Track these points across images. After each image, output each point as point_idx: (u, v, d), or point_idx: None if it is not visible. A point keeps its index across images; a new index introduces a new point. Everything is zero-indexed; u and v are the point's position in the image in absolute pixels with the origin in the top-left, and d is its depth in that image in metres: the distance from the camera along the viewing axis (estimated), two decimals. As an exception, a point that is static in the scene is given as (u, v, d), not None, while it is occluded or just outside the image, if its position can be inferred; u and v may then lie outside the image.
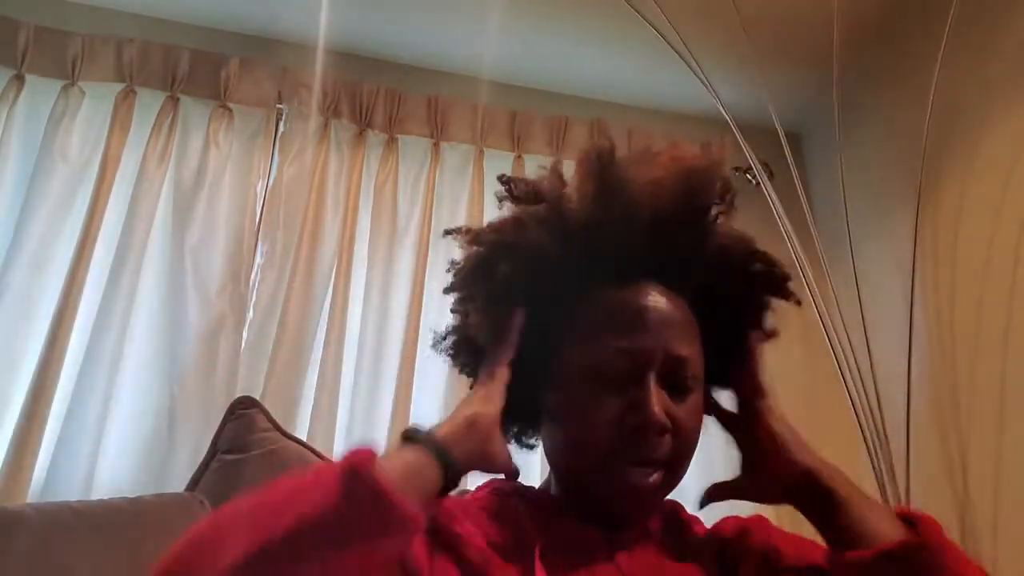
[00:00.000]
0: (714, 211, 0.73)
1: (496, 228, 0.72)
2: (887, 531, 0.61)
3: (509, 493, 0.72)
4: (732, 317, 0.74)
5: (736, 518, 0.77)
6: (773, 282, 0.75)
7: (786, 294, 0.76)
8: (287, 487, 0.53)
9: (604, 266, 0.69)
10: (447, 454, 0.60)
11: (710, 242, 0.73)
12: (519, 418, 0.76)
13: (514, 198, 0.74)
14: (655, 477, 0.64)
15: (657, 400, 0.64)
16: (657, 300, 0.68)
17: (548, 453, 0.73)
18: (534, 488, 0.75)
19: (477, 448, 0.63)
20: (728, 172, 0.71)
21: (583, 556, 0.64)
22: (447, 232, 0.76)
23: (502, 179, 0.75)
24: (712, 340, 0.71)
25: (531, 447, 0.80)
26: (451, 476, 0.60)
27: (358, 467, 0.52)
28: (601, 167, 0.69)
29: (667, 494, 0.69)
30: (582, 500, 0.68)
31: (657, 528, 0.71)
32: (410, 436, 0.61)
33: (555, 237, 0.69)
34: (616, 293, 0.68)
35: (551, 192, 0.72)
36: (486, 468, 0.66)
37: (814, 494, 0.65)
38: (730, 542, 0.73)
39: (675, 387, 0.66)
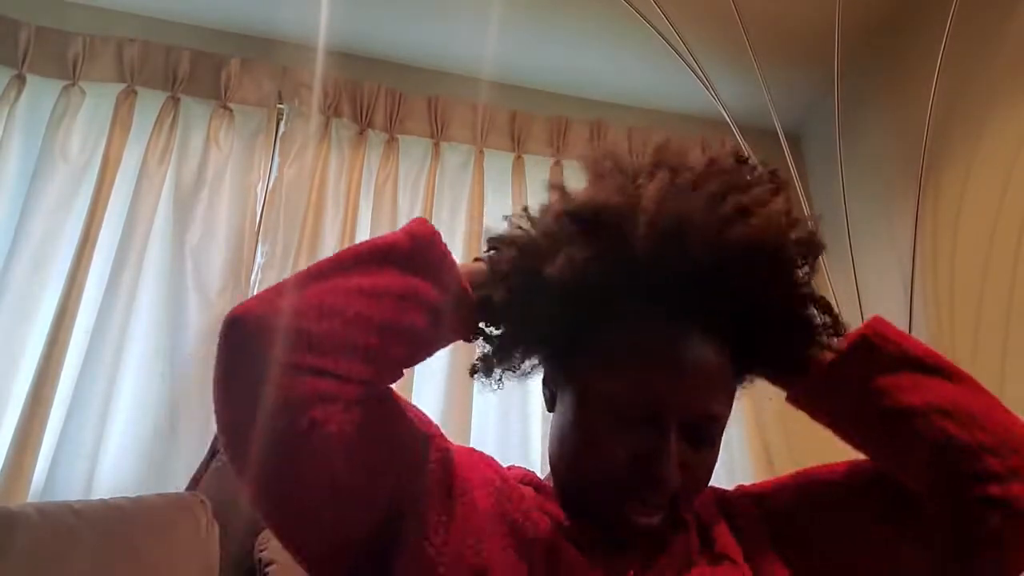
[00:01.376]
0: (796, 273, 0.66)
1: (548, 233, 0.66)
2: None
3: (520, 480, 0.71)
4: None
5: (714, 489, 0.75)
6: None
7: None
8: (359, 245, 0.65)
9: (657, 297, 0.64)
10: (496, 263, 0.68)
11: (777, 301, 0.66)
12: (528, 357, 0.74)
13: (575, 218, 0.65)
14: (656, 519, 0.63)
15: (675, 454, 0.60)
16: (702, 351, 0.63)
17: (551, 454, 0.70)
18: (540, 479, 0.74)
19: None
20: (815, 231, 0.67)
21: (591, 548, 0.64)
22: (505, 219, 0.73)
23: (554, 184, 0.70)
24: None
25: (525, 374, 0.76)
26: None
27: (421, 224, 0.65)
28: (679, 203, 0.62)
29: (668, 524, 0.66)
30: (581, 508, 0.67)
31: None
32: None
33: (615, 261, 0.64)
34: (660, 329, 0.63)
35: (618, 215, 0.64)
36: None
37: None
38: (726, 508, 0.73)
39: (698, 439, 0.63)
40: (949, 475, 0.63)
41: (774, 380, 0.72)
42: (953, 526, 0.63)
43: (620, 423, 0.62)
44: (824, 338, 0.69)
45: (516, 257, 0.67)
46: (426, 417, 0.66)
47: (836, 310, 0.71)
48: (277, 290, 0.59)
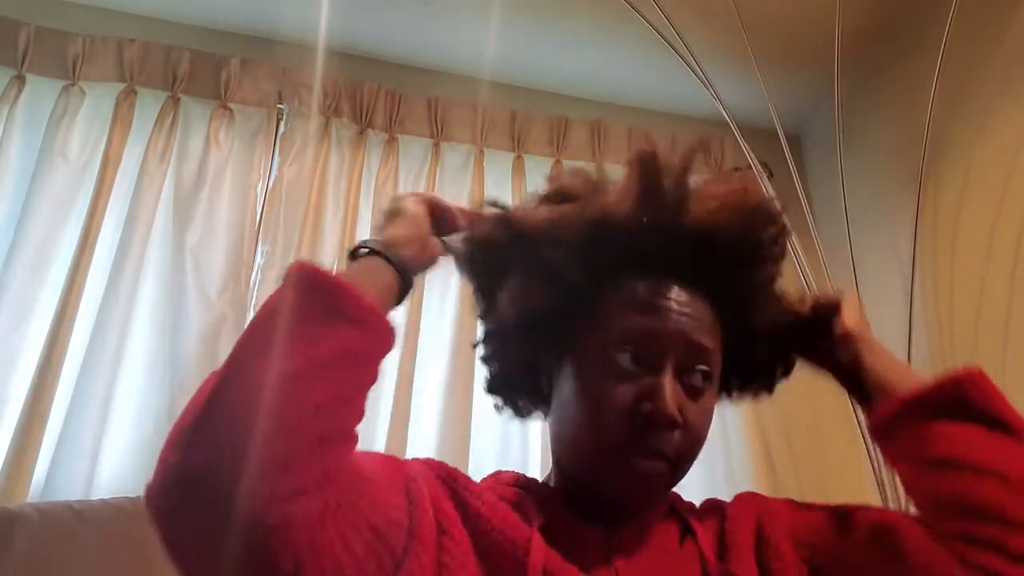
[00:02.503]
0: (763, 251, 0.71)
1: (540, 216, 0.70)
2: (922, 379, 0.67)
3: (510, 483, 0.72)
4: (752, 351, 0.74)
5: (716, 500, 0.76)
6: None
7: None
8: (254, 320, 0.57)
9: (636, 262, 0.68)
10: (395, 252, 0.66)
11: (750, 278, 0.71)
12: (526, 393, 0.77)
13: (552, 196, 0.73)
14: (661, 467, 0.63)
15: (672, 393, 0.62)
16: (681, 293, 0.67)
17: (553, 441, 0.71)
18: (536, 480, 0.74)
19: (419, 244, 0.70)
20: (786, 221, 0.73)
21: (579, 552, 0.63)
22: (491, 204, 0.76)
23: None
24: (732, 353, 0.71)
25: (526, 414, 0.79)
26: (403, 273, 0.66)
27: (302, 266, 0.57)
28: (651, 167, 0.69)
29: (670, 488, 0.68)
30: (584, 492, 0.67)
31: (657, 526, 0.70)
32: (355, 249, 0.67)
33: (592, 230, 0.68)
34: (641, 283, 0.67)
35: (591, 186, 0.72)
36: (428, 262, 0.72)
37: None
38: (724, 524, 0.71)
39: (691, 385, 0.65)
40: (966, 528, 0.59)
41: (862, 402, 0.75)
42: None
43: (616, 375, 0.64)
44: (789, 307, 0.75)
45: (503, 245, 0.70)
46: (388, 465, 0.62)
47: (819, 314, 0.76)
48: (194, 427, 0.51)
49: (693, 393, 0.65)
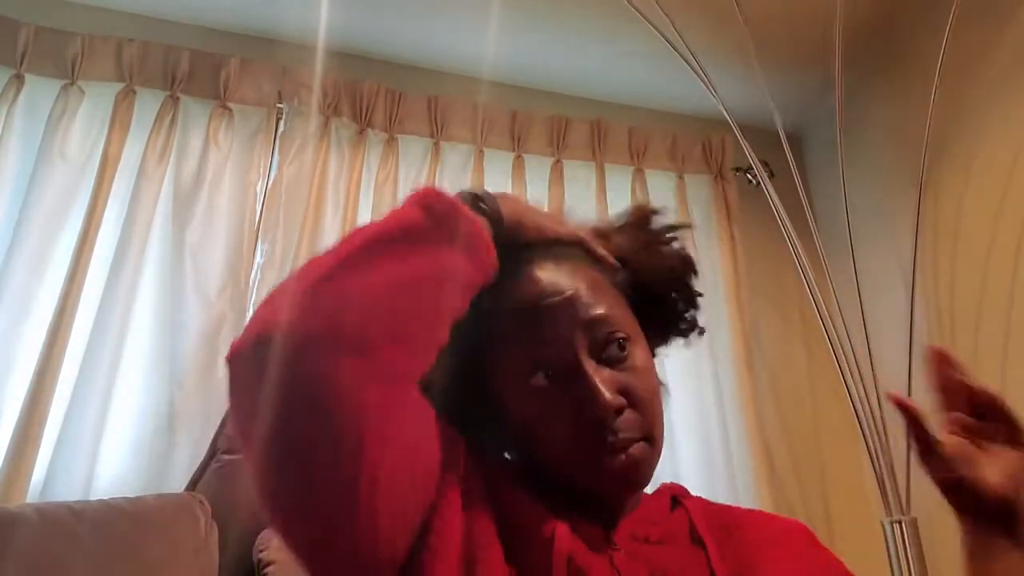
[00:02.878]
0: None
1: None
2: None
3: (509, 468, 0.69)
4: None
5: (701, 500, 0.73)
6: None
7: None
8: (365, 228, 0.57)
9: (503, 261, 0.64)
10: (497, 211, 0.63)
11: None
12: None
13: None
14: (635, 450, 0.61)
15: (602, 381, 0.60)
16: (549, 275, 0.64)
17: (525, 454, 0.68)
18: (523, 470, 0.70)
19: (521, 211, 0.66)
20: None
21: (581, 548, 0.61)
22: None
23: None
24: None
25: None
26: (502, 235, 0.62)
27: (432, 192, 0.58)
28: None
29: (656, 462, 0.64)
30: (573, 492, 0.65)
31: (652, 517, 0.67)
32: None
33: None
34: (513, 288, 0.64)
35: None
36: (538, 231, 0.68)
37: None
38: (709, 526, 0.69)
39: (612, 358, 0.62)
40: None
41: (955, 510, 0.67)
42: None
43: (547, 398, 0.62)
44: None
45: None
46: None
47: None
48: (295, 293, 0.52)
49: (619, 363, 0.63)
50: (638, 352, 0.64)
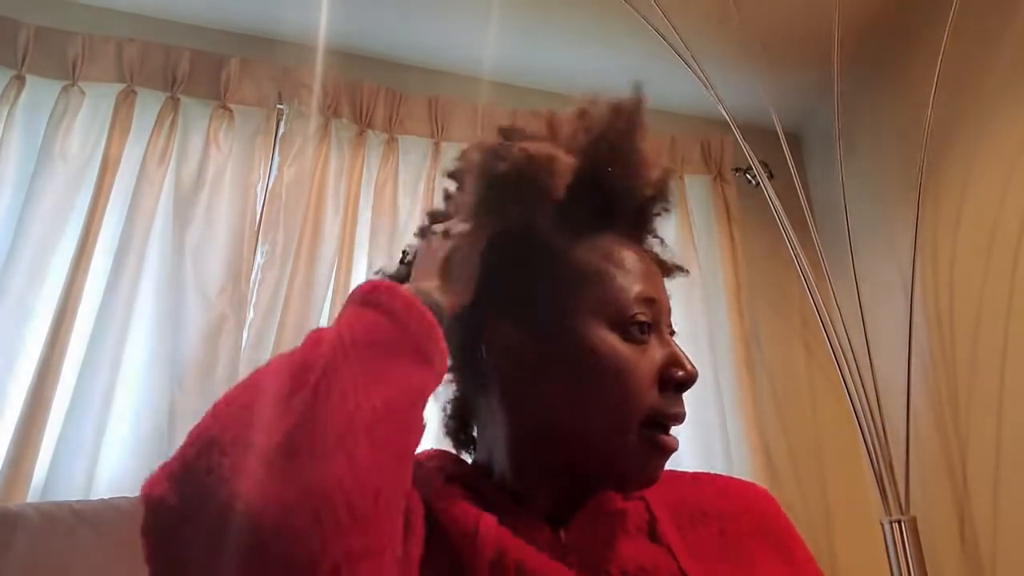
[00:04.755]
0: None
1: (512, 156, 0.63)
2: None
3: (447, 467, 0.66)
4: None
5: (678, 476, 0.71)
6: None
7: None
8: (308, 341, 0.49)
9: (608, 219, 0.67)
10: (430, 298, 0.55)
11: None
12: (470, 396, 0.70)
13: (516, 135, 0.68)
14: (674, 441, 0.61)
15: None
16: (645, 253, 0.69)
17: (522, 429, 0.64)
18: (470, 467, 0.68)
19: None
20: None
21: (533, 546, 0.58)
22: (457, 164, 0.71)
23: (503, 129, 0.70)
24: None
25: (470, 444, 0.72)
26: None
27: (382, 285, 0.52)
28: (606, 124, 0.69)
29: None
30: (556, 481, 0.62)
31: (615, 517, 0.63)
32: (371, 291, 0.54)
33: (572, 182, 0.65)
34: (623, 247, 0.66)
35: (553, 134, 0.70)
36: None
37: None
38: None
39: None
40: None
41: None
42: None
43: (636, 342, 0.61)
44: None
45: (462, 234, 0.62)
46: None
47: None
48: (268, 458, 0.41)
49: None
50: None
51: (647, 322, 0.61)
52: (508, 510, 0.60)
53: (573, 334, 0.61)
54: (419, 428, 0.51)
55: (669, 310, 0.66)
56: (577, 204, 0.64)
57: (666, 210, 0.73)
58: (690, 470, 0.72)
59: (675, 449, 0.61)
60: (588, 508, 0.62)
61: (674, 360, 0.62)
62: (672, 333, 0.65)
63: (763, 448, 1.89)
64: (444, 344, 0.54)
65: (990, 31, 1.74)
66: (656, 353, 0.62)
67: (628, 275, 0.63)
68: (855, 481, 2.01)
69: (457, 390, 0.72)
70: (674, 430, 0.62)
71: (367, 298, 0.52)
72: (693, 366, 0.62)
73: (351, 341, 0.48)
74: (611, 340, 0.60)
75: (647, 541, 0.61)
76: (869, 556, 1.80)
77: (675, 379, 0.61)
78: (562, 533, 0.61)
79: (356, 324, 0.50)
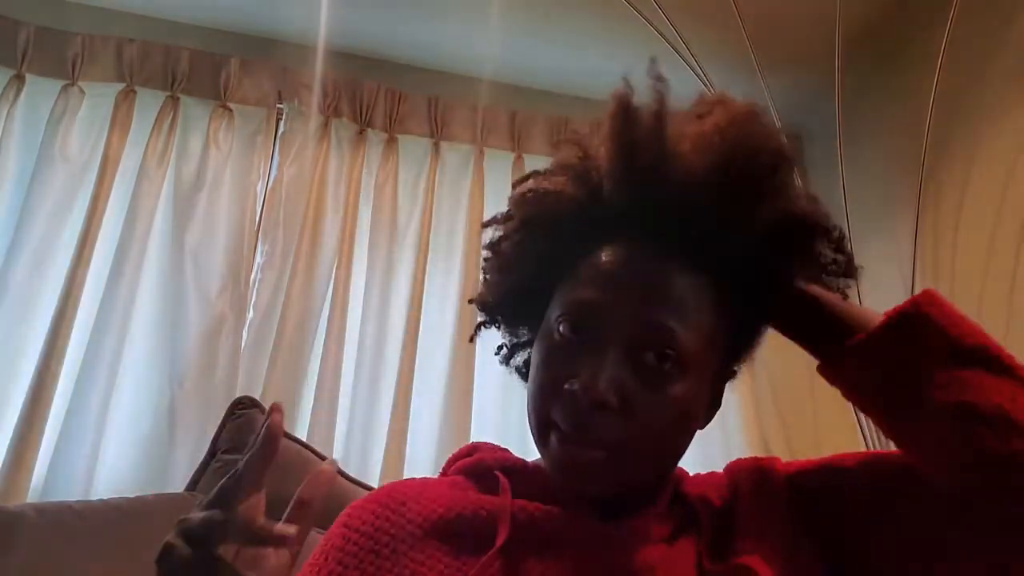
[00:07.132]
0: (763, 185, 0.60)
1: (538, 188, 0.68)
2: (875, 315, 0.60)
3: (486, 471, 0.67)
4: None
5: (713, 474, 0.73)
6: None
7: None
8: None
9: (615, 228, 0.61)
10: None
11: (756, 219, 0.59)
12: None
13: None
14: (593, 456, 0.56)
15: (613, 372, 0.55)
16: (660, 266, 0.58)
17: None
18: (526, 462, 0.67)
19: None
20: (781, 145, 0.61)
21: (563, 550, 0.57)
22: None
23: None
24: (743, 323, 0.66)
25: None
26: None
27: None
28: (625, 122, 0.64)
29: (621, 480, 0.58)
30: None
31: (663, 511, 0.63)
32: None
33: (583, 193, 0.65)
34: (606, 250, 0.60)
35: (583, 147, 0.70)
36: None
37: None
38: (720, 503, 0.67)
39: (648, 368, 0.56)
40: (983, 482, 0.54)
41: (805, 345, 0.69)
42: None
43: (560, 347, 0.59)
44: (822, 262, 0.64)
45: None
46: None
47: (842, 237, 0.65)
48: None
49: (651, 378, 0.56)
50: (681, 386, 0.57)
51: (569, 325, 0.58)
52: (548, 498, 0.61)
53: (541, 331, 0.63)
54: None
55: (635, 323, 0.56)
56: (582, 217, 0.64)
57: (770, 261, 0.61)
58: (690, 470, 0.72)
59: (572, 463, 0.57)
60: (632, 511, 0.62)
61: (577, 371, 0.56)
62: (664, 357, 0.56)
63: (763, 448, 1.89)
64: None
65: (991, 31, 1.73)
66: (575, 362, 0.57)
67: (586, 279, 0.60)
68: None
69: None
70: None
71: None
72: (595, 385, 0.54)
73: None
74: (536, 350, 0.62)
75: (677, 548, 0.60)
76: (869, 556, 1.80)
77: (565, 391, 0.56)
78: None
79: None
